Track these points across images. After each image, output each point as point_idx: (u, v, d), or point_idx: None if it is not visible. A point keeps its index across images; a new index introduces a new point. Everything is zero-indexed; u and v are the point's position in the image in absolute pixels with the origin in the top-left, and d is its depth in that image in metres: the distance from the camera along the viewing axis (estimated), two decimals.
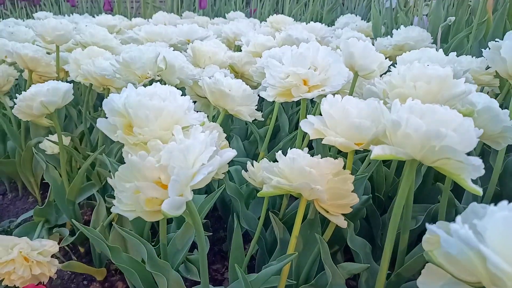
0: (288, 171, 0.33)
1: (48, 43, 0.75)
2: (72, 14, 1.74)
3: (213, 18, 1.50)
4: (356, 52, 0.50)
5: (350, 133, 0.32)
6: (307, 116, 0.36)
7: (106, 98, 0.61)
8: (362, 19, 1.22)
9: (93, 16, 1.74)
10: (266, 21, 1.30)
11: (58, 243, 0.69)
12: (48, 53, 0.86)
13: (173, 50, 0.59)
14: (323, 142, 0.34)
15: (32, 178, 0.85)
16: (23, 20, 1.68)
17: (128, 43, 0.94)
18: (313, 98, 0.42)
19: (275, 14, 1.15)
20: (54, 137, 0.71)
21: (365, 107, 0.34)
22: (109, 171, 0.71)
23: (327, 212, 0.35)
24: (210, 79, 0.49)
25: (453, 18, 0.71)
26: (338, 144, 0.32)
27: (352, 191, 0.33)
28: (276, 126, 0.80)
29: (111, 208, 0.67)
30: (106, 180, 0.73)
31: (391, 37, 0.92)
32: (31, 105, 0.51)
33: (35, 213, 0.65)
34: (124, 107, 0.32)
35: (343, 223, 0.35)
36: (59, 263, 0.59)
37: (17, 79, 0.98)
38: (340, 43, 0.51)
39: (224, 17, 1.74)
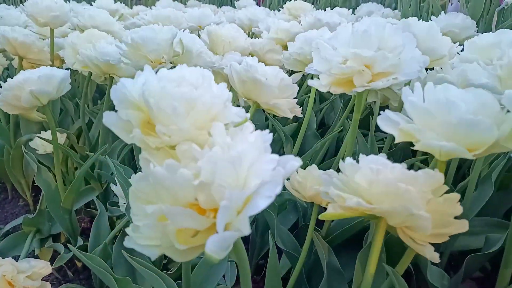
0: (368, 187, 0.24)
1: (41, 26, 0.65)
2: (68, 1, 1.63)
3: (220, 7, 1.40)
4: (420, 34, 0.41)
5: (459, 135, 0.23)
6: (385, 111, 0.27)
7: (110, 88, 0.51)
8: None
9: (91, 4, 1.64)
10: (278, 9, 1.20)
11: (52, 260, 0.60)
12: (42, 40, 0.76)
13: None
14: (417, 147, 0.24)
15: (22, 179, 0.75)
16: (16, 7, 1.58)
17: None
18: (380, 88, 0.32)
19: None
20: (48, 134, 0.61)
21: (472, 99, 0.24)
22: (111, 174, 0.62)
23: (413, 240, 0.26)
24: (241, 66, 0.40)
25: (510, 1, 0.62)
26: (444, 150, 0.23)
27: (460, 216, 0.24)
28: (300, 122, 0.71)
29: (114, 219, 0.58)
30: (108, 184, 0.64)
31: None
32: (19, 95, 0.42)
33: (24, 222, 0.56)
34: (143, 96, 0.22)
35: (434, 256, 0.26)
36: (53, 281, 0.50)
37: (6, 68, 0.89)
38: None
39: (232, 6, 1.64)
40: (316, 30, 0.49)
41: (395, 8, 1.59)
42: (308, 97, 0.69)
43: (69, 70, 0.45)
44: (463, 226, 0.24)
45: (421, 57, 0.33)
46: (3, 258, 0.55)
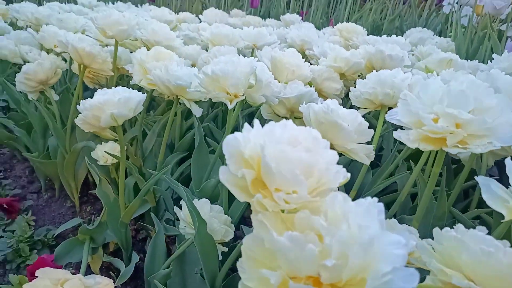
0: (472, 267, 0.24)
1: (108, 38, 0.67)
2: (116, 2, 1.68)
3: (264, 20, 1.40)
4: (505, 89, 0.40)
5: None
6: (487, 180, 0.27)
7: (175, 107, 0.51)
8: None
9: (136, 6, 1.67)
10: (322, 24, 1.20)
11: (101, 269, 0.61)
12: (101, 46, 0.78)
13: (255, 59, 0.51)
14: None
15: (73, 182, 0.78)
16: (66, 3, 1.63)
17: (186, 43, 0.86)
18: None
19: (337, 22, 1.05)
20: (108, 146, 0.63)
21: None
22: (166, 189, 0.63)
23: None
24: (320, 107, 0.40)
25: None
26: None
27: None
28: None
29: (170, 236, 0.59)
30: (160, 198, 0.65)
31: (469, 59, 0.81)
32: (99, 116, 0.43)
33: (81, 231, 0.57)
34: (264, 160, 0.23)
35: None
36: None
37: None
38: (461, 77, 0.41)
39: (273, 17, 1.65)
40: (389, 70, 0.48)
41: (440, 32, 1.56)
42: None
43: (145, 94, 0.46)
44: None
45: None
46: (58, 263, 0.57)
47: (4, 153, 1.06)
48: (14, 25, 1.54)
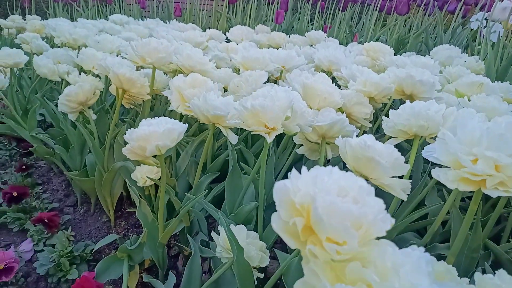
0: None
1: (147, 64, 0.70)
2: (144, 18, 1.74)
3: (288, 35, 1.42)
4: None
5: None
6: None
7: (212, 133, 0.54)
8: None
9: (164, 22, 1.73)
10: (346, 38, 1.21)
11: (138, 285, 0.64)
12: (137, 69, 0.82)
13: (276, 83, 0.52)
14: None
15: (109, 198, 0.81)
16: (97, 19, 1.70)
17: (217, 62, 0.89)
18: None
19: (362, 40, 1.06)
20: (145, 168, 0.66)
21: None
22: (200, 211, 0.65)
23: None
24: (357, 142, 0.41)
25: None
26: None
27: None
28: None
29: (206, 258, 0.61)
30: (194, 218, 0.67)
31: (498, 78, 0.81)
32: (145, 147, 0.46)
33: (120, 250, 0.60)
34: (316, 213, 0.24)
35: None
36: None
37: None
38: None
39: (297, 31, 1.67)
40: (423, 102, 0.49)
41: (466, 46, 1.54)
42: None
43: (186, 125, 0.49)
44: None
45: None
46: (99, 280, 0.60)
47: (42, 165, 1.11)
48: (49, 40, 1.62)
